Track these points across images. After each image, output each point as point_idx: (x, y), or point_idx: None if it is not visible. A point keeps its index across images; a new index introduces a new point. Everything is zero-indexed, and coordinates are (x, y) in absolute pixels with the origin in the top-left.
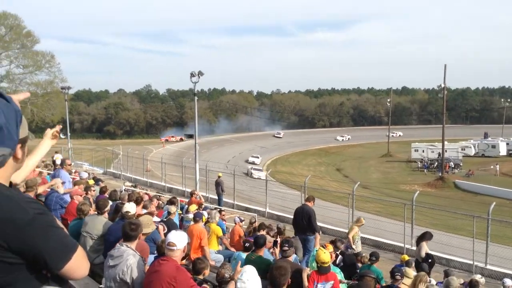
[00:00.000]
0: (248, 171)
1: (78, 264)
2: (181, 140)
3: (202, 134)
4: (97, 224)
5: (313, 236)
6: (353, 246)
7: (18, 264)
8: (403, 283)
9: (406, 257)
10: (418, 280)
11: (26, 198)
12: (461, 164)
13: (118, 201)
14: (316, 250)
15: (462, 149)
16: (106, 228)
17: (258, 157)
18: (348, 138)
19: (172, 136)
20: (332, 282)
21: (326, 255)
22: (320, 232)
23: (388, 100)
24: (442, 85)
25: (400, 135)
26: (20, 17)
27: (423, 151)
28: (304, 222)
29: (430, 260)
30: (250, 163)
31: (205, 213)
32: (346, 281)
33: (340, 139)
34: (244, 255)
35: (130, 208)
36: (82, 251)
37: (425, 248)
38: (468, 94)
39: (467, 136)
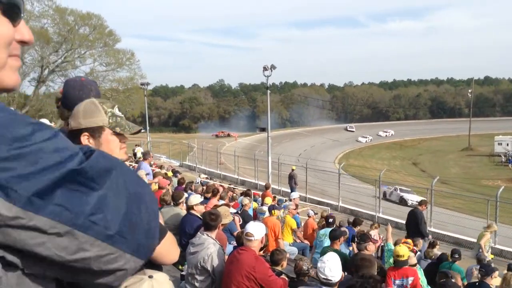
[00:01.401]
0: (392, 195)
1: (167, 249)
2: (229, 135)
3: (274, 127)
4: (172, 215)
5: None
6: (485, 254)
7: None
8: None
9: (491, 255)
10: (509, 276)
11: None
12: None
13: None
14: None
15: None
16: (180, 219)
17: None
18: (392, 134)
19: (222, 132)
20: (412, 278)
21: (402, 248)
22: (430, 237)
23: (469, 90)
24: None
25: (392, 134)
26: (102, 17)
27: (507, 144)
28: (412, 225)
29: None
30: None
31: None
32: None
33: (383, 134)
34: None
35: (195, 200)
36: (172, 237)
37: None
38: None
39: None
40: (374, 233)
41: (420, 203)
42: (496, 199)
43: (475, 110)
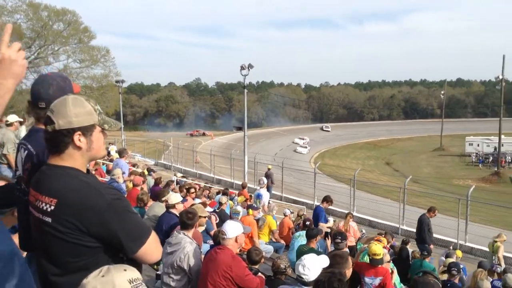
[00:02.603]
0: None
1: (152, 248)
2: (204, 134)
3: (250, 126)
4: (161, 211)
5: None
6: (502, 264)
7: (97, 248)
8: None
9: (460, 253)
10: (479, 273)
11: (104, 184)
12: None
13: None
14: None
15: None
16: None
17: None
18: (307, 141)
19: (197, 130)
20: (381, 278)
21: (378, 247)
22: (432, 246)
23: (442, 92)
24: (500, 77)
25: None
26: (77, 13)
27: (478, 145)
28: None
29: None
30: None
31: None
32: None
33: (300, 142)
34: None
35: (175, 199)
36: (155, 236)
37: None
38: None
39: None
40: (353, 224)
41: (429, 210)
42: (467, 198)
43: (447, 111)
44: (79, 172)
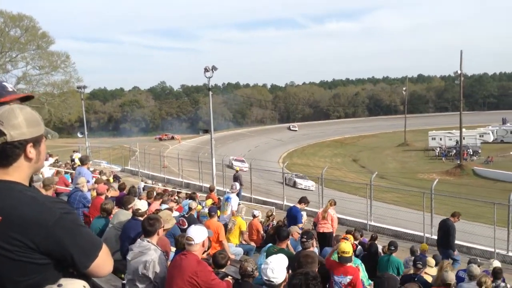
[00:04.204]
0: (290, 180)
1: (103, 261)
2: (172, 138)
3: (217, 128)
4: (126, 218)
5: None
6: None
7: (47, 264)
8: (425, 272)
9: (426, 246)
10: (445, 264)
11: (51, 198)
12: (479, 151)
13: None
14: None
15: (480, 136)
16: None
17: (243, 161)
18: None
19: (166, 135)
20: (350, 277)
21: (347, 244)
22: (456, 252)
23: (404, 88)
24: (459, 72)
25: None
26: (34, 19)
27: (440, 139)
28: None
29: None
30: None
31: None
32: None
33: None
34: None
35: (140, 205)
36: (106, 249)
37: None
38: (485, 80)
39: (485, 123)
40: (332, 211)
41: (452, 214)
42: (431, 192)
43: (410, 107)
44: (23, 186)
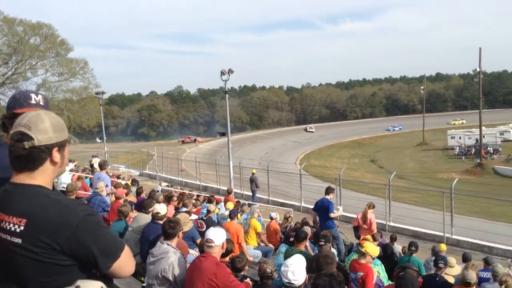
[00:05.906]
0: None
1: (125, 262)
2: (195, 141)
3: (234, 131)
4: (145, 222)
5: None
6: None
7: (71, 266)
8: (446, 273)
9: (445, 246)
10: (470, 265)
11: (74, 200)
12: (500, 149)
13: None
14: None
15: (500, 134)
16: None
17: None
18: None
19: (188, 137)
20: (361, 273)
21: (375, 247)
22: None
23: (422, 87)
24: (478, 69)
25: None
26: (53, 27)
27: (460, 138)
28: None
29: None
30: None
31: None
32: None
33: None
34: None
35: (160, 209)
36: (129, 250)
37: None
38: (505, 77)
39: (505, 120)
40: (372, 216)
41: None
42: (451, 191)
43: (428, 106)
44: (47, 190)
